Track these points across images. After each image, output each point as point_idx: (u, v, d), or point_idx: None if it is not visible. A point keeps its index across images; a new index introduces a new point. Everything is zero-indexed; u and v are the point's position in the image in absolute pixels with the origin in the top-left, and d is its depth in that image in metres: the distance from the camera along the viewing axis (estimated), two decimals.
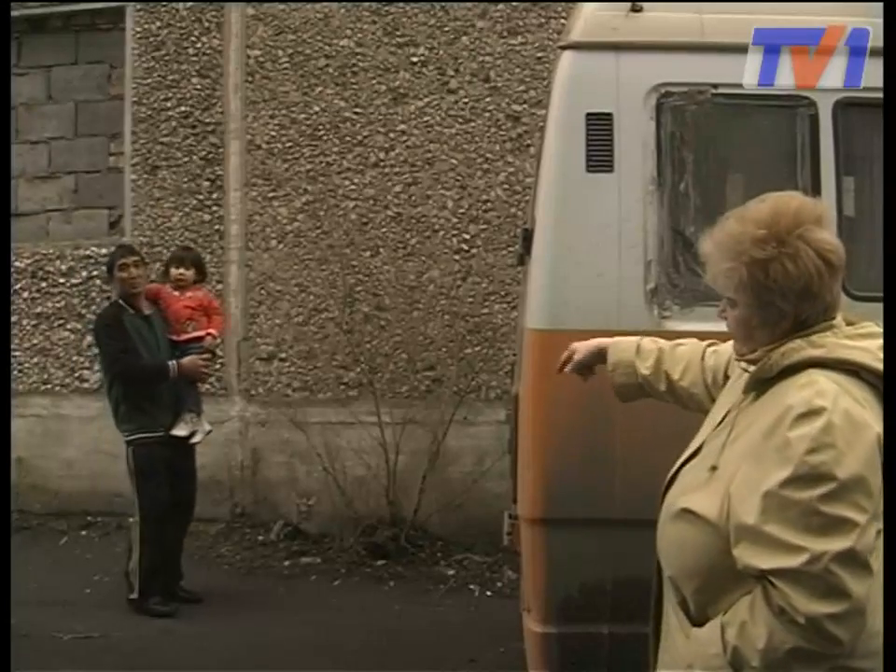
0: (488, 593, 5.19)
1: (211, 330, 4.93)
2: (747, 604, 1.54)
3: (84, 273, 6.49)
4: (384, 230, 6.20)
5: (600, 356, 2.17)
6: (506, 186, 6.10)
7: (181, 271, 4.94)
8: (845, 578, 1.45)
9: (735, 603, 1.56)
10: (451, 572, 5.44)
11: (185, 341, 4.86)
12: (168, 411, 4.77)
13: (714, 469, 1.63)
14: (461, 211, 6.13)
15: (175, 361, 4.73)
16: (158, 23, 6.47)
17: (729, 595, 1.57)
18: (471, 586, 5.26)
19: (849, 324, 1.66)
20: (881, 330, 1.64)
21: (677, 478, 1.74)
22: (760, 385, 1.63)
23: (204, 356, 4.88)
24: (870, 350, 1.59)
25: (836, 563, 1.44)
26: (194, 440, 4.85)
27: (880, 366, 1.58)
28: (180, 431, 4.75)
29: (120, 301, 4.80)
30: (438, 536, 5.79)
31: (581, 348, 2.20)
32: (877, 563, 1.54)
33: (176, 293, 4.92)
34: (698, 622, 1.62)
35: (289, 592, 5.19)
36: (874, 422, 1.53)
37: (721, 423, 1.72)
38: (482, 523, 5.39)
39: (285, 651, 4.26)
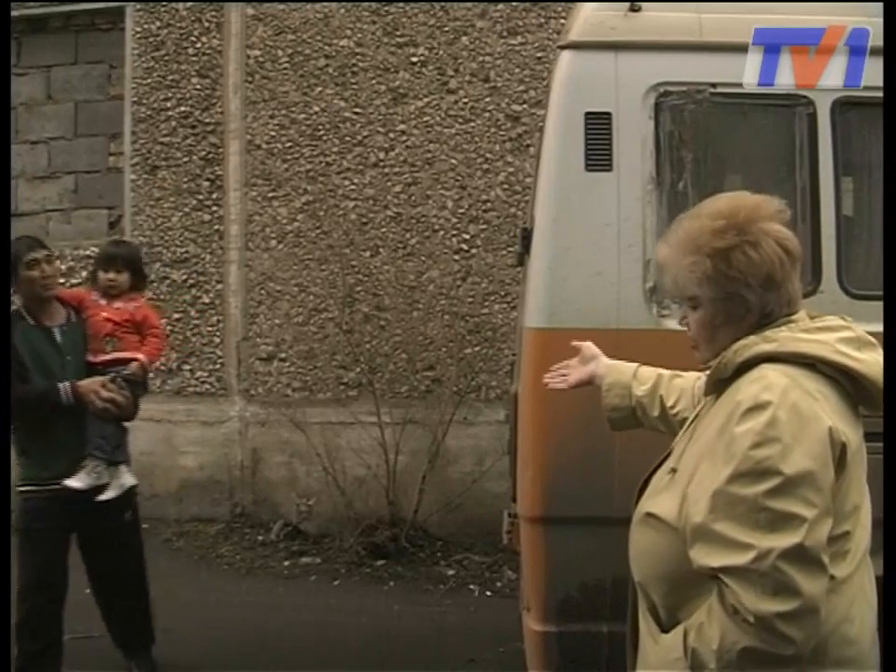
0: (488, 593, 5.19)
1: (138, 355, 3.65)
2: (706, 606, 1.52)
3: (84, 274, 6.48)
4: (384, 230, 6.20)
5: (591, 380, 2.17)
6: (506, 186, 6.11)
7: (111, 275, 3.68)
8: (793, 575, 1.42)
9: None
10: (451, 572, 5.44)
11: (102, 363, 3.61)
12: (70, 454, 3.54)
13: (674, 471, 1.63)
14: (461, 211, 6.13)
15: (68, 383, 3.47)
16: (158, 23, 6.48)
17: (696, 599, 1.55)
18: (471, 586, 5.27)
19: (813, 319, 1.64)
20: (844, 324, 1.63)
21: (649, 484, 1.73)
22: (719, 386, 1.62)
23: (115, 381, 3.56)
24: (827, 343, 1.57)
25: (784, 560, 1.42)
26: (104, 496, 3.55)
27: (837, 358, 1.55)
28: (75, 483, 3.49)
29: (22, 310, 3.58)
30: (437, 536, 5.79)
31: (575, 375, 2.21)
32: (850, 566, 1.53)
33: (102, 301, 3.69)
34: (668, 627, 1.60)
35: (289, 592, 5.19)
36: (826, 415, 1.50)
37: (687, 427, 1.73)
38: (481, 523, 5.40)
39: (285, 650, 4.26)
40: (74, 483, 3.50)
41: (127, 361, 3.64)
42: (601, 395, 2.12)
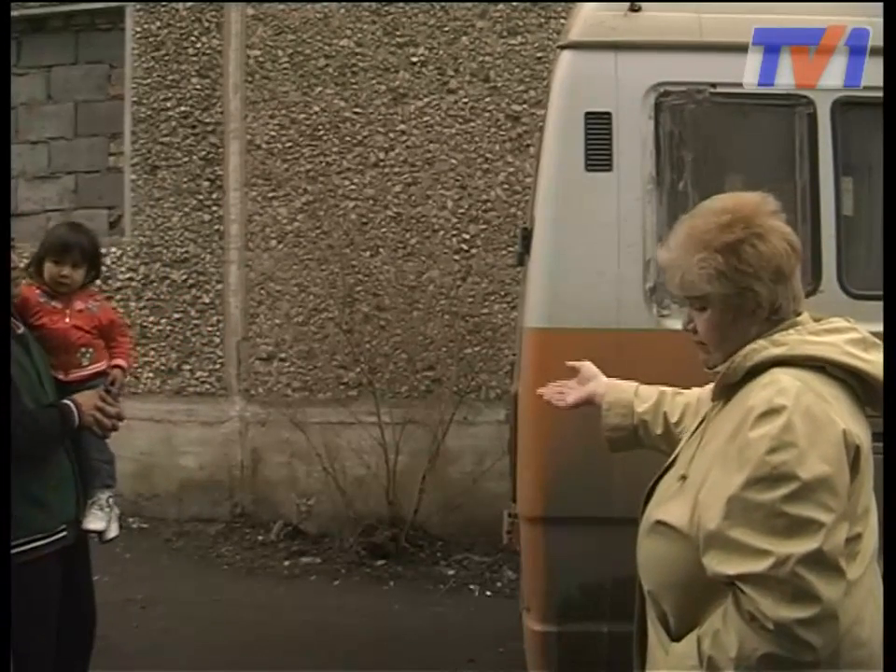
0: (488, 593, 5.20)
1: (118, 361, 3.07)
2: (721, 613, 1.50)
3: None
4: (384, 230, 6.20)
5: (590, 400, 2.11)
6: (506, 186, 6.11)
7: (65, 270, 2.95)
8: (813, 581, 1.40)
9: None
10: (451, 572, 5.45)
11: (78, 380, 2.94)
12: (76, 490, 2.79)
13: (684, 477, 1.61)
14: (461, 211, 6.13)
15: (69, 401, 2.73)
16: (158, 23, 6.48)
17: (708, 607, 1.53)
18: (471, 586, 5.27)
19: (817, 321, 1.64)
20: (849, 325, 1.63)
21: (655, 491, 1.72)
22: (728, 391, 1.61)
23: (110, 393, 2.85)
24: (836, 345, 1.56)
25: (803, 566, 1.40)
26: (109, 535, 2.92)
27: (847, 360, 1.55)
28: (94, 524, 2.83)
29: None
30: (438, 536, 5.80)
31: (574, 395, 2.14)
32: (860, 569, 1.52)
33: (55, 303, 2.96)
34: (679, 636, 1.58)
35: (289, 592, 5.19)
36: (840, 418, 1.49)
37: (693, 433, 1.71)
38: (482, 523, 5.39)
39: (285, 650, 4.26)
40: (94, 524, 2.84)
41: (104, 374, 3.02)
42: (601, 415, 2.06)
